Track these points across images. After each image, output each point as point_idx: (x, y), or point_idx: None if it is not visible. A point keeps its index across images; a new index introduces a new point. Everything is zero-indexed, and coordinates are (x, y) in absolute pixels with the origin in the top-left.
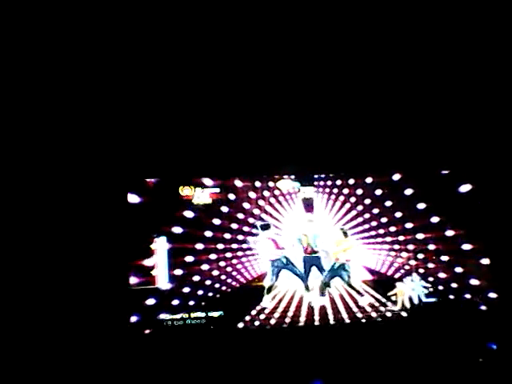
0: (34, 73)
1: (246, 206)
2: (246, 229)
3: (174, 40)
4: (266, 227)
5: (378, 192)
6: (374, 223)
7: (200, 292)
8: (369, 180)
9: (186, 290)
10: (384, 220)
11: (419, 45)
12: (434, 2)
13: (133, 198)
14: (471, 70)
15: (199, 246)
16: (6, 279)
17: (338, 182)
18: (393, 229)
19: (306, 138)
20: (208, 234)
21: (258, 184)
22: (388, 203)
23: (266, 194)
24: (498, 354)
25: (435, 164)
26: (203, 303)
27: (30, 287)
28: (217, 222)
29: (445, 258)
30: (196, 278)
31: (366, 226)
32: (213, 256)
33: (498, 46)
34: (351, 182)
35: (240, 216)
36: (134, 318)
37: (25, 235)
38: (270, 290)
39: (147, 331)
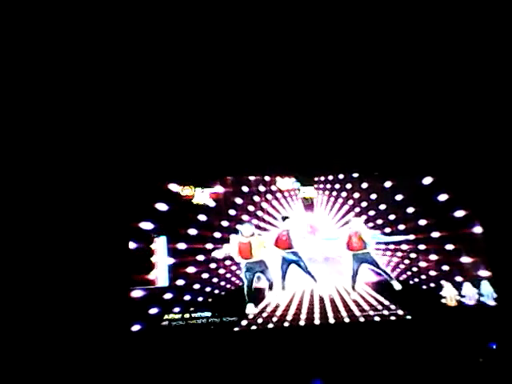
0: (35, 73)
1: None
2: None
3: (174, 42)
4: (285, 218)
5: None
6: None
7: (199, 292)
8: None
9: (186, 290)
10: (380, 221)
11: (416, 49)
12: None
13: (133, 199)
14: (470, 69)
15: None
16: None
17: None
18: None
19: (306, 138)
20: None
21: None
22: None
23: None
24: (498, 354)
25: (434, 167)
26: (203, 303)
27: (32, 286)
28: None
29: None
30: (196, 279)
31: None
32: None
33: (492, 54)
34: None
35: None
36: (134, 317)
37: (26, 235)
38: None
39: (147, 331)
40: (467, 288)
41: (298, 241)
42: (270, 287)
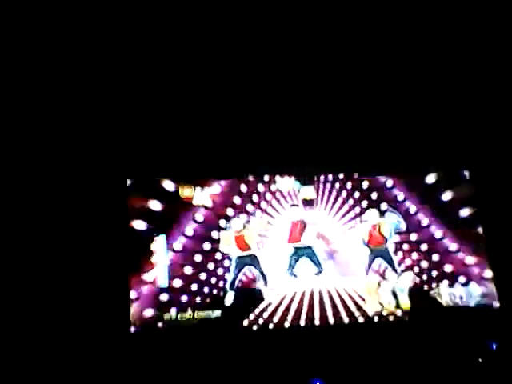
0: (33, 73)
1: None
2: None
3: (172, 42)
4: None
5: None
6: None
7: (200, 291)
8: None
9: (187, 288)
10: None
11: (415, 49)
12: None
13: (133, 199)
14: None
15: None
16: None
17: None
18: None
19: (307, 138)
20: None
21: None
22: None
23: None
24: (498, 354)
25: (433, 165)
26: (204, 302)
27: (33, 289)
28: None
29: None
30: (197, 277)
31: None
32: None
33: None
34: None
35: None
36: (135, 316)
37: (27, 236)
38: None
39: (147, 331)
40: None
41: (310, 237)
42: (264, 280)
